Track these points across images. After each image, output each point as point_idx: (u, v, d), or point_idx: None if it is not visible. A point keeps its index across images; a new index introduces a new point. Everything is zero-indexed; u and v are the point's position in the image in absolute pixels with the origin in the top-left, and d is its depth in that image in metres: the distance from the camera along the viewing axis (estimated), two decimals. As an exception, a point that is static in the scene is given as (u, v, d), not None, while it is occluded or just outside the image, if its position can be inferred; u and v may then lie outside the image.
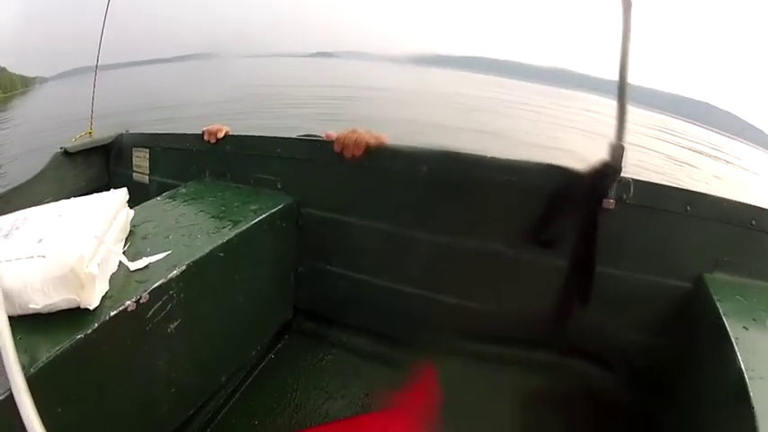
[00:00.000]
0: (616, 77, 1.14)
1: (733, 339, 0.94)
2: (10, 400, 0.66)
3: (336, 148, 1.45)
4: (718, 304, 1.06)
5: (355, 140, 1.42)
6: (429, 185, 1.40)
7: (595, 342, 1.35)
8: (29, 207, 1.12)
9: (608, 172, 1.18)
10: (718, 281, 1.18)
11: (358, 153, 1.42)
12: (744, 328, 0.99)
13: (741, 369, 0.86)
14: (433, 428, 1.24)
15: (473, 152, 1.37)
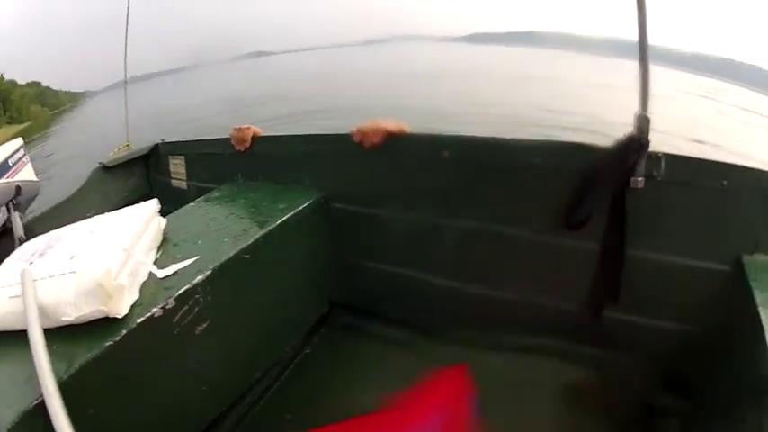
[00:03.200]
0: (645, 46, 1.06)
1: (767, 334, 0.86)
2: (43, 406, 0.73)
3: (356, 138, 1.47)
4: (755, 292, 0.97)
5: (374, 129, 1.44)
6: (452, 172, 1.39)
7: (627, 332, 1.27)
8: (73, 221, 1.21)
9: (635, 147, 1.10)
10: (758, 263, 1.07)
11: (377, 140, 1.44)
12: None
13: None
14: (467, 424, 1.22)
15: (491, 136, 1.35)
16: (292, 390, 1.45)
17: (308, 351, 1.58)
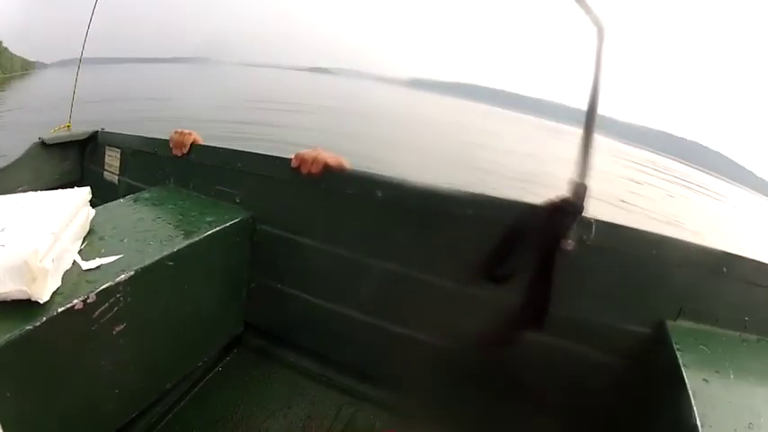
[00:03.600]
0: (593, 117, 1.11)
1: (690, 392, 0.90)
2: None
3: (294, 163, 1.46)
4: (678, 353, 1.03)
5: (314, 158, 1.43)
6: (383, 213, 1.42)
7: (546, 385, 1.29)
8: (3, 193, 1.16)
9: (569, 211, 1.13)
10: (681, 329, 1.14)
11: (315, 171, 1.43)
12: (704, 380, 0.95)
13: (696, 426, 0.83)
14: None
15: (430, 182, 1.38)
16: (201, 406, 1.42)
17: (219, 369, 1.56)
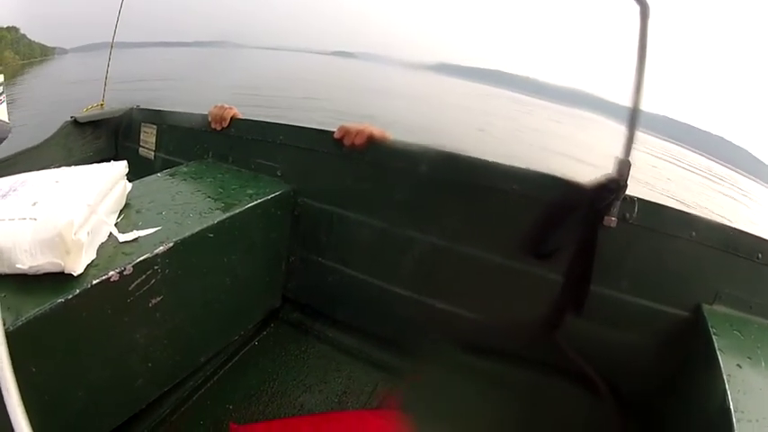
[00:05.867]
0: (629, 97, 1.11)
1: (725, 377, 0.91)
2: None
3: (337, 134, 1.45)
4: (714, 338, 1.03)
5: (359, 130, 1.42)
6: (428, 185, 1.39)
7: (583, 362, 1.27)
8: (35, 170, 1.14)
9: (612, 187, 1.14)
10: (717, 313, 1.14)
11: (359, 142, 1.42)
12: (738, 365, 0.95)
13: (729, 409, 0.83)
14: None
15: (475, 155, 1.36)
16: (235, 380, 1.41)
17: (255, 343, 1.55)
